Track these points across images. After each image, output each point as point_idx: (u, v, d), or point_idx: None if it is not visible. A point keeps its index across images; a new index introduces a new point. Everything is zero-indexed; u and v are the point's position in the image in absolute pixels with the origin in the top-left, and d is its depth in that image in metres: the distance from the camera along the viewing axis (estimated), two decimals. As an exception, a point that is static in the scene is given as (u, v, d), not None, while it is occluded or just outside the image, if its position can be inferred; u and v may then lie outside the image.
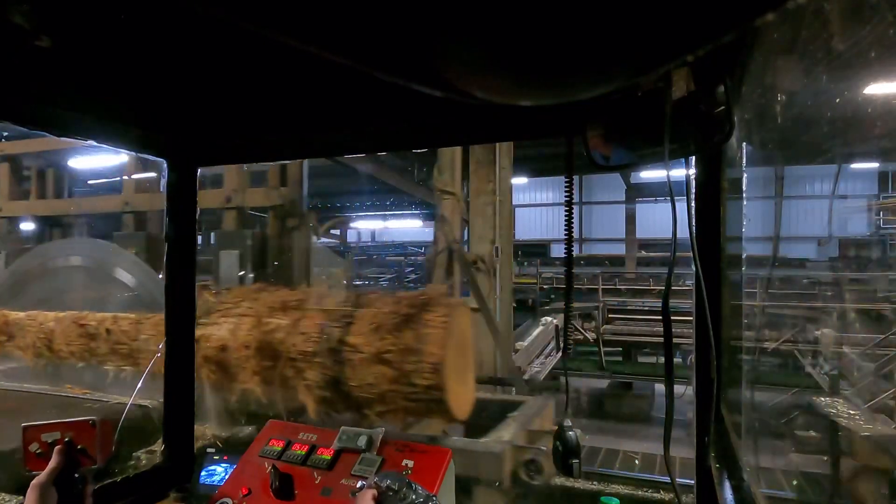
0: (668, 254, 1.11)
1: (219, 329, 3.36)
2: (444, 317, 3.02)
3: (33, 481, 1.09)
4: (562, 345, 9.51)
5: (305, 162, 5.83)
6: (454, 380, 3.08)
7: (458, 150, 6.15)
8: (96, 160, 9.44)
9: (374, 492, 1.03)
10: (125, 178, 6.96)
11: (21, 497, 1.60)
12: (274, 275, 5.43)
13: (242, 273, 5.46)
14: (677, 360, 1.20)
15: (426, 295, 3.31)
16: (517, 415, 4.40)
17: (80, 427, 1.19)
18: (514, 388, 6.19)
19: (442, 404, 3.02)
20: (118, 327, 3.65)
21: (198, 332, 3.54)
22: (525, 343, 9.22)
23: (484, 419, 4.12)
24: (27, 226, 8.05)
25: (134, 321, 3.67)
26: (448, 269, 6.11)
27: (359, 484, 1.09)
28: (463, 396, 3.27)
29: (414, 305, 3.16)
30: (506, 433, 3.89)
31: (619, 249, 20.35)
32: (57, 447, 1.14)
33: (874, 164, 15.57)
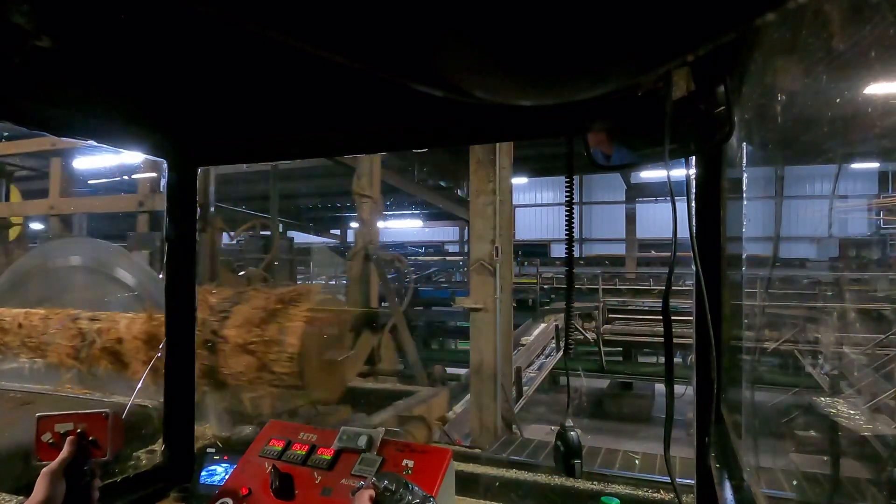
0: (668, 254, 1.11)
1: (117, 324, 3.74)
2: (306, 311, 3.37)
3: (44, 469, 1.10)
4: (562, 345, 9.52)
5: (212, 169, 6.48)
6: (317, 368, 3.46)
7: (377, 157, 6.84)
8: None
9: (372, 492, 1.04)
10: (126, 177, 7.04)
11: (21, 497, 1.60)
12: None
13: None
14: (677, 360, 1.20)
15: (295, 291, 3.63)
16: (399, 403, 4.96)
17: (94, 419, 1.21)
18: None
19: (301, 390, 3.42)
20: (28, 322, 3.92)
21: (99, 325, 3.79)
22: (531, 338, 9.46)
23: (373, 407, 4.70)
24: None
25: (43, 316, 3.93)
26: (363, 269, 6.78)
27: (358, 484, 1.09)
28: (330, 384, 3.71)
29: (281, 301, 3.53)
30: (377, 418, 4.34)
31: (620, 249, 20.34)
32: (69, 437, 1.16)
33: (874, 164, 15.56)
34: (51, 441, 1.18)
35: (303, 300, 3.51)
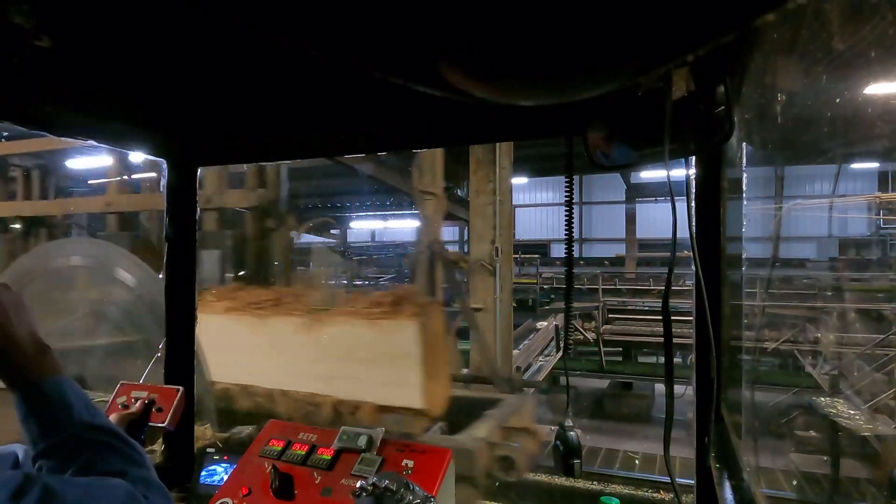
0: (668, 254, 1.10)
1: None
2: (413, 315, 3.25)
3: (114, 414, 1.31)
4: (562, 345, 9.51)
5: (284, 164, 6.07)
6: (427, 376, 3.28)
7: (439, 151, 6.31)
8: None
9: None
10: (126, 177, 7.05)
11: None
12: (255, 274, 5.60)
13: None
14: (677, 360, 1.20)
15: (397, 294, 3.47)
16: (494, 412, 4.43)
17: (166, 392, 1.39)
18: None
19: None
20: None
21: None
22: (543, 324, 9.48)
23: (462, 416, 4.16)
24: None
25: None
26: (430, 270, 6.22)
27: (358, 484, 1.09)
28: (437, 392, 3.47)
29: (380, 303, 3.38)
30: (481, 430, 3.92)
31: (620, 249, 20.33)
32: (141, 399, 1.35)
33: (874, 164, 15.56)
34: (123, 403, 1.37)
35: (407, 303, 3.36)
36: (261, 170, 5.91)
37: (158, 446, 1.89)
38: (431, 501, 1.05)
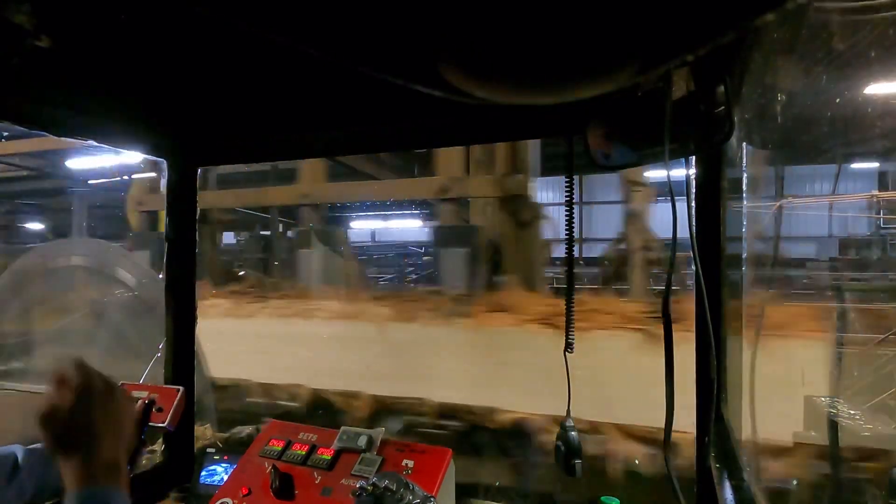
0: (668, 254, 1.10)
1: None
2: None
3: None
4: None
5: (537, 143, 4.87)
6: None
7: None
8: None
9: None
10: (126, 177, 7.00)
11: None
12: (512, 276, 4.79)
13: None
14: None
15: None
16: None
17: (166, 392, 1.38)
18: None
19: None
20: None
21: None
22: None
23: None
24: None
25: None
26: (644, 270, 5.33)
27: (358, 484, 1.09)
28: None
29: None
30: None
31: (619, 249, 20.30)
32: (141, 399, 1.33)
33: (874, 164, 15.55)
34: None
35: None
36: (513, 150, 4.90)
37: (158, 446, 1.89)
38: (431, 501, 1.05)
